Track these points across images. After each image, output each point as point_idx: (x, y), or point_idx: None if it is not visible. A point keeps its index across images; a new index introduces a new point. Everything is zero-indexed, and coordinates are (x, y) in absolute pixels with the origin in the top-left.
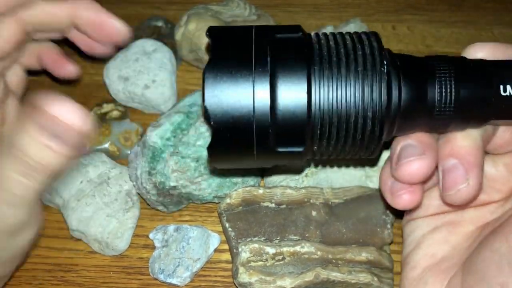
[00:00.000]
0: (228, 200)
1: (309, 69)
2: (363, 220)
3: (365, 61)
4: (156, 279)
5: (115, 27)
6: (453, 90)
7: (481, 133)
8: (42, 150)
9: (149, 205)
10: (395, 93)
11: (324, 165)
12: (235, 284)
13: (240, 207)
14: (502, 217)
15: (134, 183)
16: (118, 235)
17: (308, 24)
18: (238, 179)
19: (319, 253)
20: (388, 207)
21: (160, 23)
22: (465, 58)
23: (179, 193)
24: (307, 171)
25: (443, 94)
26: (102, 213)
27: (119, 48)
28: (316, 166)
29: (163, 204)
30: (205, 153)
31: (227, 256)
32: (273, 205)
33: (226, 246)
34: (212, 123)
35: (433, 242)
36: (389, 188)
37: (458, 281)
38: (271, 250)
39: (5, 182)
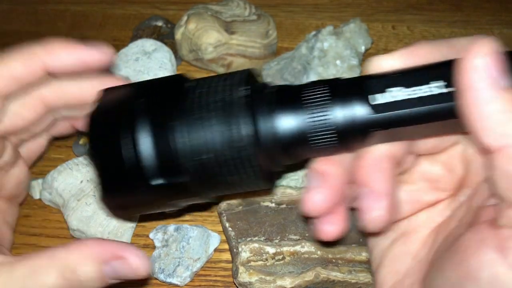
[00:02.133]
0: (228, 200)
1: (175, 124)
2: None
3: (229, 107)
4: (156, 278)
5: None
6: (324, 115)
7: (389, 147)
8: (97, 280)
9: None
10: (265, 131)
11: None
12: (235, 284)
13: (240, 207)
14: (452, 217)
15: None
16: (118, 234)
17: (308, 24)
18: None
19: (319, 252)
20: None
21: (160, 23)
22: (337, 79)
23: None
24: (307, 171)
25: (315, 121)
26: (102, 213)
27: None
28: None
29: None
30: None
31: (227, 255)
32: (273, 204)
33: (226, 246)
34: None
35: (394, 256)
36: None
37: None
38: (271, 250)
39: None
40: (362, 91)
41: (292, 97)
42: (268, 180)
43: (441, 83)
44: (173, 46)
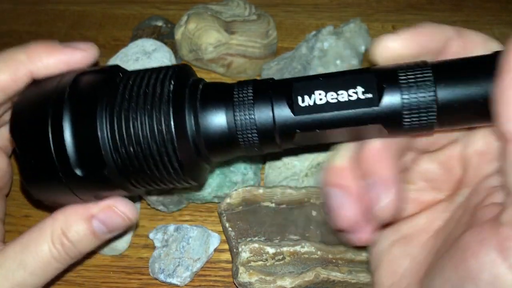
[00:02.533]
0: (228, 200)
1: (100, 104)
2: None
3: (152, 99)
4: (156, 279)
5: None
6: (250, 115)
7: (387, 140)
8: (90, 239)
9: (149, 205)
10: (189, 119)
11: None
12: (235, 284)
13: (240, 207)
14: (451, 218)
15: None
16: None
17: (308, 24)
18: (238, 179)
19: (319, 253)
20: None
21: (160, 23)
22: (267, 79)
23: (179, 193)
24: (307, 171)
25: (240, 121)
26: None
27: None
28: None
29: (163, 203)
30: None
31: (227, 256)
32: (273, 205)
33: (226, 246)
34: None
35: (393, 258)
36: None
37: None
38: (271, 250)
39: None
40: (287, 93)
41: (221, 94)
42: (195, 176)
43: (360, 89)
44: (173, 46)
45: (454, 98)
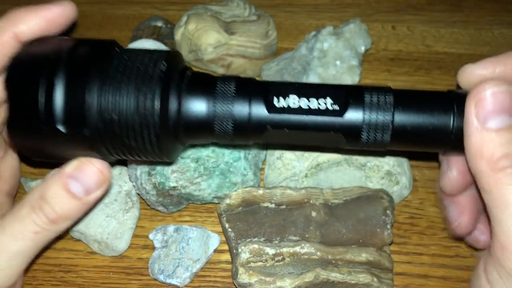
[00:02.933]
0: (228, 201)
1: (92, 79)
2: (363, 221)
3: (143, 76)
4: (155, 279)
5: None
6: (228, 107)
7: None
8: (67, 200)
9: (149, 206)
10: (173, 101)
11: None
12: (234, 285)
13: (240, 208)
14: None
15: (134, 183)
16: (118, 235)
17: (308, 25)
18: (238, 179)
19: (318, 253)
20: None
21: (159, 23)
22: (250, 78)
23: (179, 193)
24: (306, 171)
25: (218, 111)
26: (102, 214)
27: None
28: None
29: (163, 204)
30: (205, 153)
31: (227, 256)
32: (273, 205)
33: (226, 247)
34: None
35: None
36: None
37: None
38: (270, 251)
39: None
40: (265, 92)
41: (206, 84)
42: (168, 154)
43: (329, 100)
44: (173, 47)
45: (408, 122)
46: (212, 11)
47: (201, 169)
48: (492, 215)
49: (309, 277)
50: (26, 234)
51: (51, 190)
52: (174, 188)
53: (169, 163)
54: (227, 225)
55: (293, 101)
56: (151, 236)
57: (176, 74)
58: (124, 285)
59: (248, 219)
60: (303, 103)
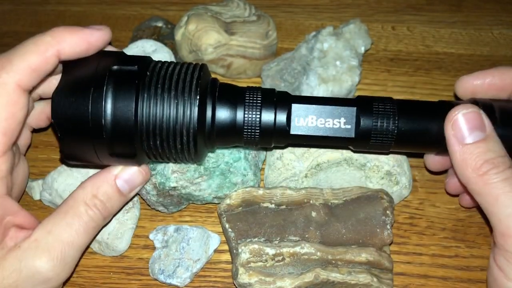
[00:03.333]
0: (228, 201)
1: (137, 93)
2: (362, 221)
3: (183, 89)
4: (156, 279)
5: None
6: (257, 116)
7: None
8: (116, 198)
9: (149, 206)
10: (209, 115)
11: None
12: (235, 285)
13: (240, 208)
14: None
15: None
16: (118, 235)
17: (308, 25)
18: (238, 180)
19: (318, 253)
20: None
21: (160, 24)
22: (273, 89)
23: (179, 193)
24: (306, 171)
25: (249, 119)
26: None
27: None
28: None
29: (163, 204)
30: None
31: (227, 256)
32: (273, 205)
33: (226, 247)
34: (59, 135)
35: None
36: None
37: None
38: (270, 251)
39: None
40: (288, 111)
41: (235, 95)
42: (201, 158)
43: (343, 120)
44: (173, 47)
45: (410, 128)
46: (212, 12)
47: (201, 169)
48: (487, 212)
49: (309, 277)
50: (87, 229)
51: (102, 190)
52: (174, 188)
53: (198, 163)
54: (227, 225)
55: (312, 121)
56: (151, 236)
57: (208, 86)
58: (125, 285)
59: (248, 219)
60: (320, 122)
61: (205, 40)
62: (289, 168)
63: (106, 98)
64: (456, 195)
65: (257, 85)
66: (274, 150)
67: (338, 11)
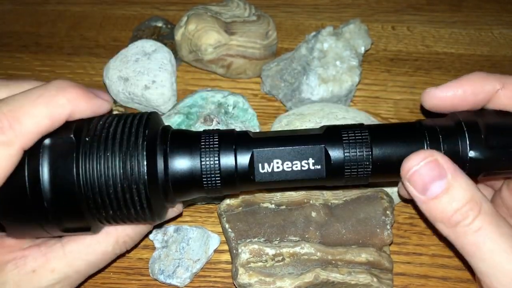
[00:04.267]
0: (228, 201)
1: (77, 156)
2: (362, 221)
3: (128, 142)
4: (156, 279)
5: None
6: (215, 160)
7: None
8: (146, 231)
9: None
10: (160, 165)
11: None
12: (234, 285)
13: (240, 208)
14: None
15: None
16: None
17: (308, 24)
18: None
19: (318, 254)
20: None
21: (160, 24)
22: (232, 130)
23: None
24: None
25: (207, 164)
26: None
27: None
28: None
29: None
30: None
31: (227, 257)
32: (272, 206)
33: (226, 247)
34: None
35: None
36: None
37: None
38: (270, 251)
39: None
40: (250, 158)
41: (189, 142)
42: (159, 215)
43: (311, 160)
44: (173, 47)
45: (386, 155)
46: (212, 12)
47: None
48: (471, 265)
49: (309, 277)
50: (105, 262)
51: (138, 229)
52: None
53: (159, 224)
54: (227, 226)
55: (277, 165)
56: (151, 236)
57: (158, 137)
58: (124, 285)
59: (248, 219)
60: (287, 166)
61: (205, 40)
62: None
63: (42, 165)
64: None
65: (257, 85)
66: None
67: (338, 11)
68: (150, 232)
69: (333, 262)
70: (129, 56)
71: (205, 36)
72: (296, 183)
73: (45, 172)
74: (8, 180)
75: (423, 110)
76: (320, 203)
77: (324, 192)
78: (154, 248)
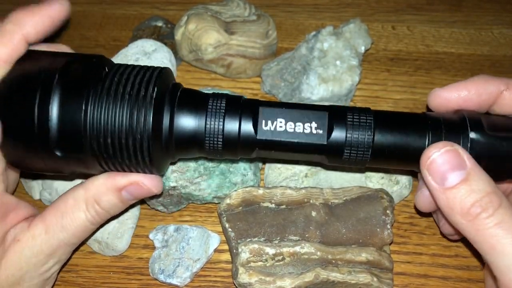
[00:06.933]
0: (228, 201)
1: (87, 97)
2: (362, 221)
3: (137, 94)
4: (156, 279)
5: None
6: (220, 123)
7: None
8: (119, 205)
9: (149, 206)
10: (166, 121)
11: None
12: (234, 285)
13: (240, 208)
14: None
15: None
16: (118, 235)
17: (308, 24)
18: (238, 179)
19: (319, 253)
20: None
21: (160, 23)
22: (241, 96)
23: (179, 193)
24: (306, 171)
25: (211, 126)
26: None
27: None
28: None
29: (163, 204)
30: None
31: (227, 256)
32: (273, 205)
33: (226, 247)
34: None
35: None
36: None
37: None
38: (270, 251)
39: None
40: (254, 114)
41: (197, 102)
42: (159, 168)
43: (314, 124)
44: (173, 47)
45: (387, 142)
46: (212, 11)
47: (201, 169)
48: (486, 260)
49: (309, 277)
50: (85, 231)
51: (105, 199)
52: (174, 188)
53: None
54: (227, 225)
55: (280, 124)
56: (151, 235)
57: (167, 94)
58: (125, 285)
59: (248, 219)
60: (289, 127)
61: (205, 39)
62: (289, 167)
63: (52, 101)
64: (428, 213)
65: (257, 84)
66: None
67: (338, 11)
68: (149, 232)
69: (333, 261)
70: (129, 55)
71: (205, 35)
72: (296, 149)
73: (55, 101)
74: (15, 119)
75: (428, 110)
76: (320, 202)
77: (324, 191)
78: (154, 248)
